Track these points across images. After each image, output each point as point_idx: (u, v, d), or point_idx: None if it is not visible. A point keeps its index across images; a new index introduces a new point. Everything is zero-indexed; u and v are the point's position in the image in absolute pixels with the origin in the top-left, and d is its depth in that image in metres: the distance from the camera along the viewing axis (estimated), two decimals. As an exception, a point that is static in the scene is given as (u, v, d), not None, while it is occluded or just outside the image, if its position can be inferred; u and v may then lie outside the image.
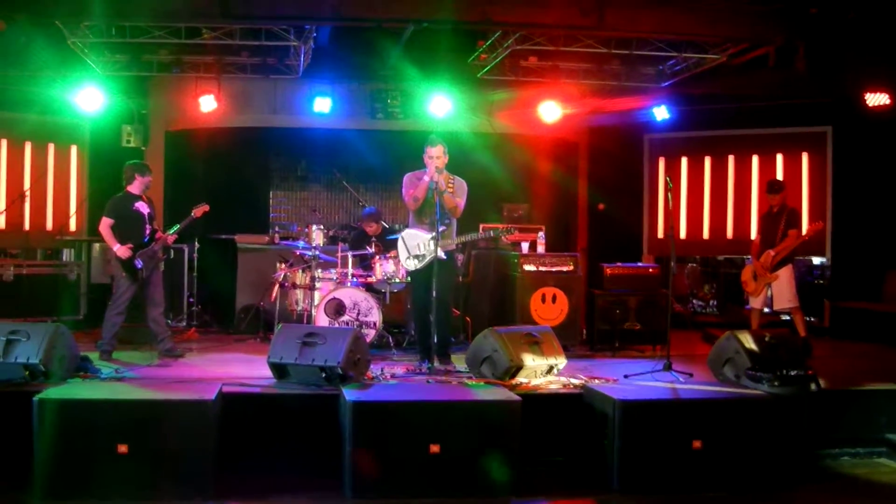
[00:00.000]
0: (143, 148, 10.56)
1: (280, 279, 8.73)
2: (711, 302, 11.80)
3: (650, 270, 8.88)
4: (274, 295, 8.78)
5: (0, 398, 5.50)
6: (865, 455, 6.22)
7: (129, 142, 10.49)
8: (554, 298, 8.36)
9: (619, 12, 7.85)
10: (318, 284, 8.36)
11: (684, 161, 11.76)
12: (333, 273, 8.43)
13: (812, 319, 10.22)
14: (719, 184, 11.51)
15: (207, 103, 9.68)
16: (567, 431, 5.90)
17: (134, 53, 9.06)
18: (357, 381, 5.94)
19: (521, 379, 6.29)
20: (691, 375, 6.74)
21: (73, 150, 10.78)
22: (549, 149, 11.35)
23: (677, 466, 5.34)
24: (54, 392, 5.16)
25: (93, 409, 5.00)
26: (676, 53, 9.01)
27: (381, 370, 6.77)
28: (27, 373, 5.76)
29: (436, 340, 6.85)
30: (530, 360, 6.33)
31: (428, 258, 7.01)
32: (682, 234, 11.68)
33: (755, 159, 11.30)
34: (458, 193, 7.09)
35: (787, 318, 8.82)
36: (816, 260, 10.84)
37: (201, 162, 10.83)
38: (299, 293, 8.64)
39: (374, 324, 8.00)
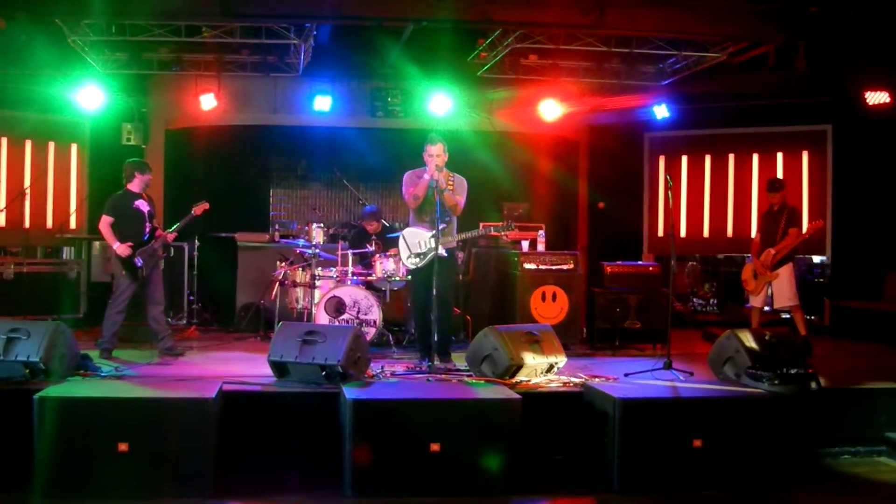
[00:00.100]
0: (144, 146, 10.55)
1: (280, 277, 8.73)
2: (712, 300, 11.80)
3: (650, 269, 8.89)
4: (274, 293, 8.78)
5: (0, 396, 5.50)
6: (865, 454, 6.22)
7: (129, 140, 10.48)
8: (554, 297, 8.36)
9: (620, 11, 7.84)
10: (318, 283, 8.36)
11: (684, 159, 11.77)
12: (333, 271, 8.43)
13: (812, 318, 10.22)
14: (719, 182, 11.52)
15: (208, 101, 9.67)
16: (567, 430, 5.90)
17: (134, 52, 9.06)
18: (357, 379, 5.95)
19: (521, 377, 6.29)
20: (692, 374, 6.75)
21: (74, 148, 10.78)
22: (549, 147, 11.34)
23: (677, 465, 5.34)
24: (55, 390, 5.16)
25: (93, 407, 5.00)
26: (676, 52, 9.02)
27: (382, 368, 6.77)
28: (27, 371, 5.76)
29: (436, 339, 6.85)
30: (530, 359, 6.33)
31: (429, 256, 7.01)
32: (683, 233, 11.69)
33: (755, 158, 11.31)
34: (458, 191, 7.09)
35: (788, 316, 8.82)
36: (817, 258, 10.84)
37: (201, 160, 10.83)
38: (299, 291, 8.65)
39: (375, 322, 8.00)
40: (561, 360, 6.59)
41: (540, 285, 8.36)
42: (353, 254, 8.59)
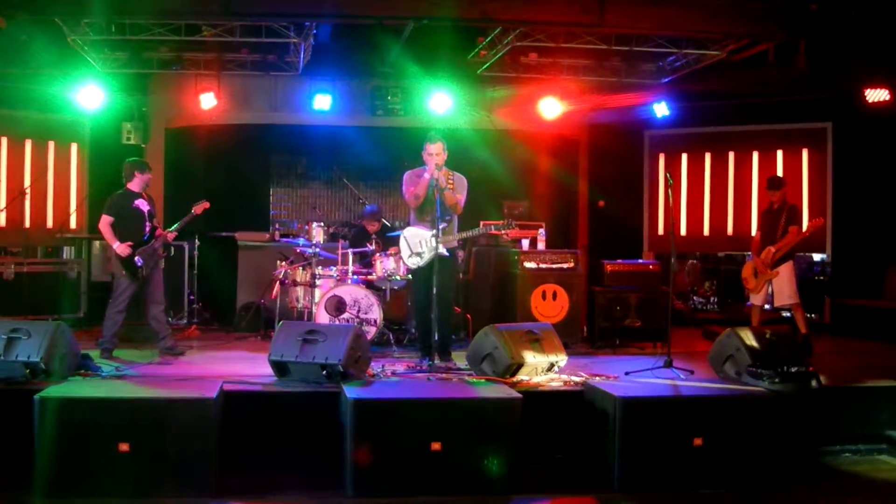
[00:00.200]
0: (144, 145, 10.55)
1: (280, 276, 8.73)
2: (712, 299, 11.78)
3: (651, 267, 8.88)
4: (274, 292, 8.78)
5: (1, 396, 5.50)
6: (866, 452, 6.22)
7: (129, 139, 10.48)
8: (554, 295, 8.36)
9: (620, 9, 7.83)
10: (318, 282, 8.36)
11: (684, 157, 11.77)
12: (334, 270, 8.43)
13: (812, 316, 10.21)
14: (720, 180, 11.52)
15: (207, 100, 9.66)
16: (568, 429, 5.90)
17: (134, 51, 9.05)
18: (358, 378, 5.95)
19: (521, 376, 6.29)
20: (692, 372, 6.75)
21: (74, 147, 10.78)
22: (549, 145, 11.34)
23: (678, 463, 5.34)
24: (55, 390, 5.16)
25: (94, 407, 5.00)
26: (676, 50, 9.01)
27: (382, 367, 6.77)
28: (28, 371, 5.76)
29: (436, 338, 6.85)
30: (531, 358, 6.33)
31: (429, 255, 7.01)
32: (683, 231, 11.69)
33: (755, 156, 11.31)
34: (458, 190, 7.09)
35: (788, 314, 8.82)
36: (817, 256, 10.83)
37: (201, 159, 10.83)
38: (300, 290, 8.64)
39: (375, 321, 7.99)
40: (561, 358, 6.59)
41: (540, 284, 8.35)
42: (354, 253, 8.59)
